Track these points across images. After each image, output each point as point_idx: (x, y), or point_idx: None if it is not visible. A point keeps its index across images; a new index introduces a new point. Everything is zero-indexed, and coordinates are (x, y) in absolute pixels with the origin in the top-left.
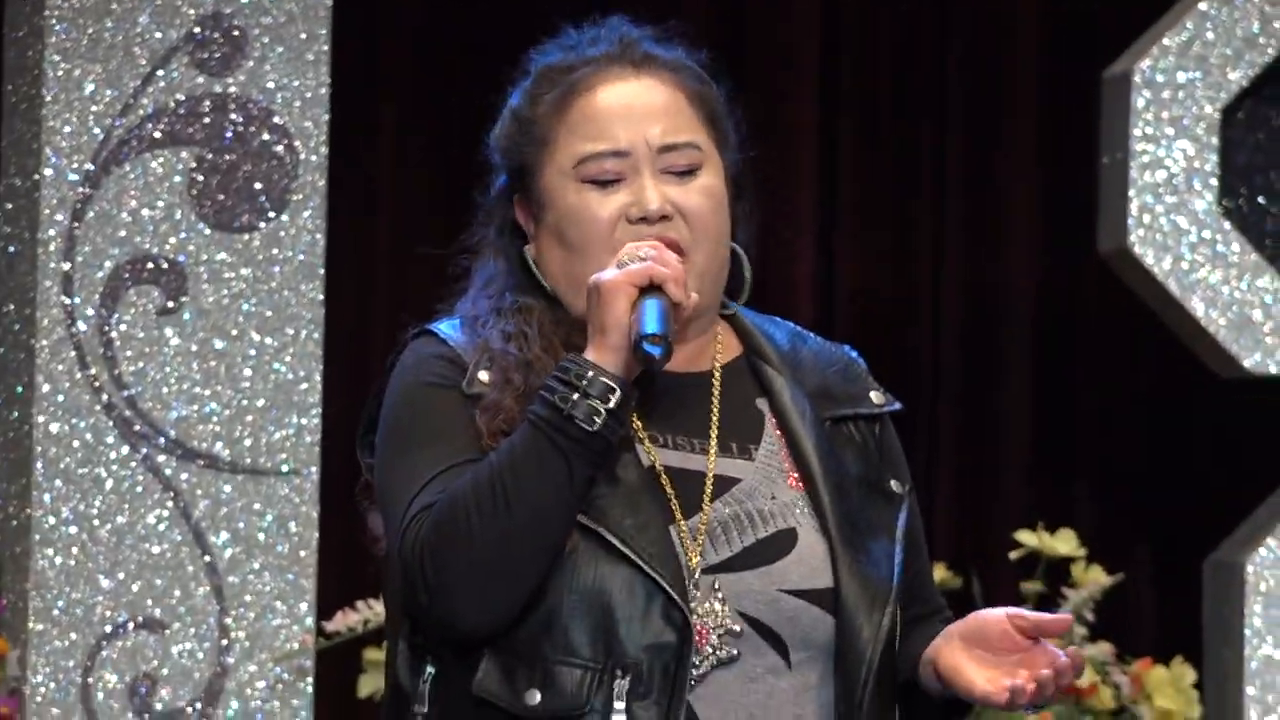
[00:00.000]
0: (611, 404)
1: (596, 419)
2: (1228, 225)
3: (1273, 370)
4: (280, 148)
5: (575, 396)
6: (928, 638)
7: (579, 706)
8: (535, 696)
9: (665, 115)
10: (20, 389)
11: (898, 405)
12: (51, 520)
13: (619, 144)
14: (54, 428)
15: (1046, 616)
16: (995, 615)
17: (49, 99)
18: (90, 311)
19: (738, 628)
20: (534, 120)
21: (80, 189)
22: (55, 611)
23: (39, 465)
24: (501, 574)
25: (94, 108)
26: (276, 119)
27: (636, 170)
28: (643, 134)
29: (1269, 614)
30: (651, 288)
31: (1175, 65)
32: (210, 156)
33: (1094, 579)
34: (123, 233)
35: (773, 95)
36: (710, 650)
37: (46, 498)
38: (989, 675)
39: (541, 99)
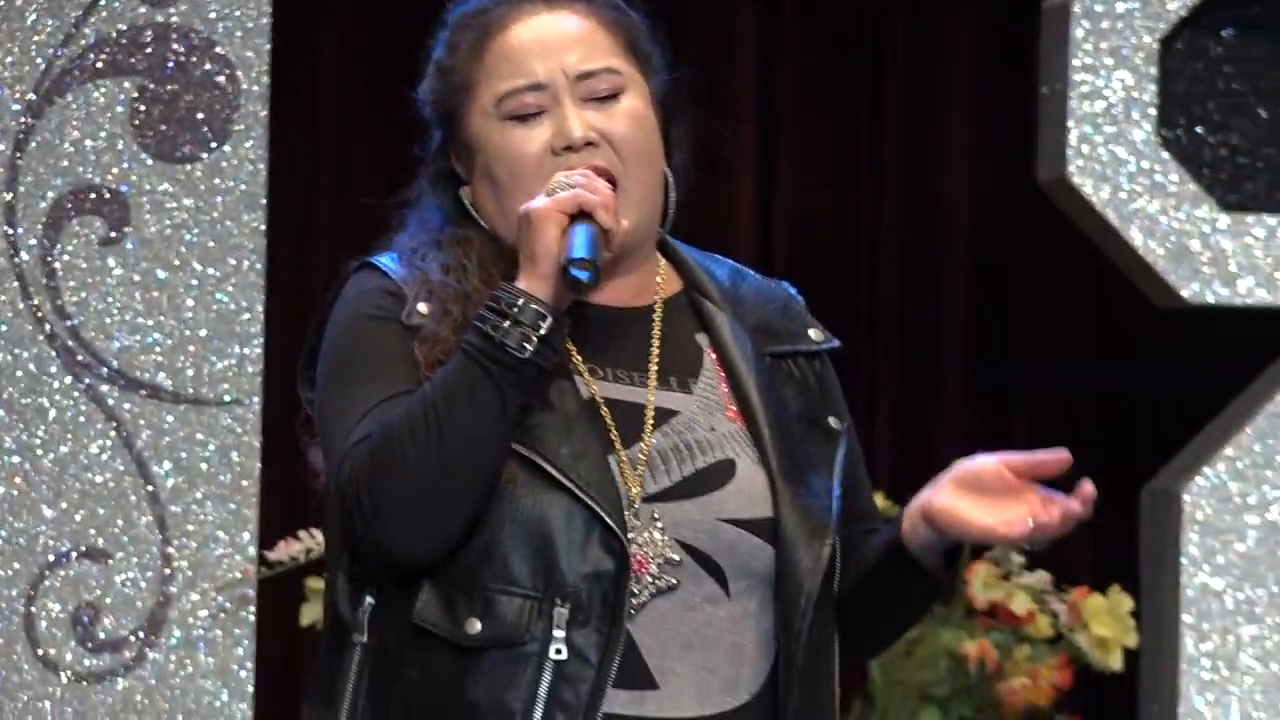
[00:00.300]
0: (543, 330)
1: (528, 346)
2: (1166, 155)
3: (1210, 300)
4: (222, 78)
5: (506, 324)
6: (883, 537)
7: (519, 635)
8: (475, 625)
9: (580, 44)
10: None
11: (836, 343)
12: None
13: (536, 77)
14: None
15: (1042, 455)
16: (987, 458)
17: None
18: (33, 241)
19: (676, 557)
20: (454, 68)
21: (22, 119)
22: None
23: None
24: (436, 503)
25: (35, 37)
26: (218, 49)
27: (557, 101)
28: (559, 64)
29: (1205, 543)
30: (581, 215)
31: None
32: (152, 87)
33: None
34: (65, 163)
35: (711, 20)
36: (649, 579)
37: None
38: (991, 513)
39: (459, 46)
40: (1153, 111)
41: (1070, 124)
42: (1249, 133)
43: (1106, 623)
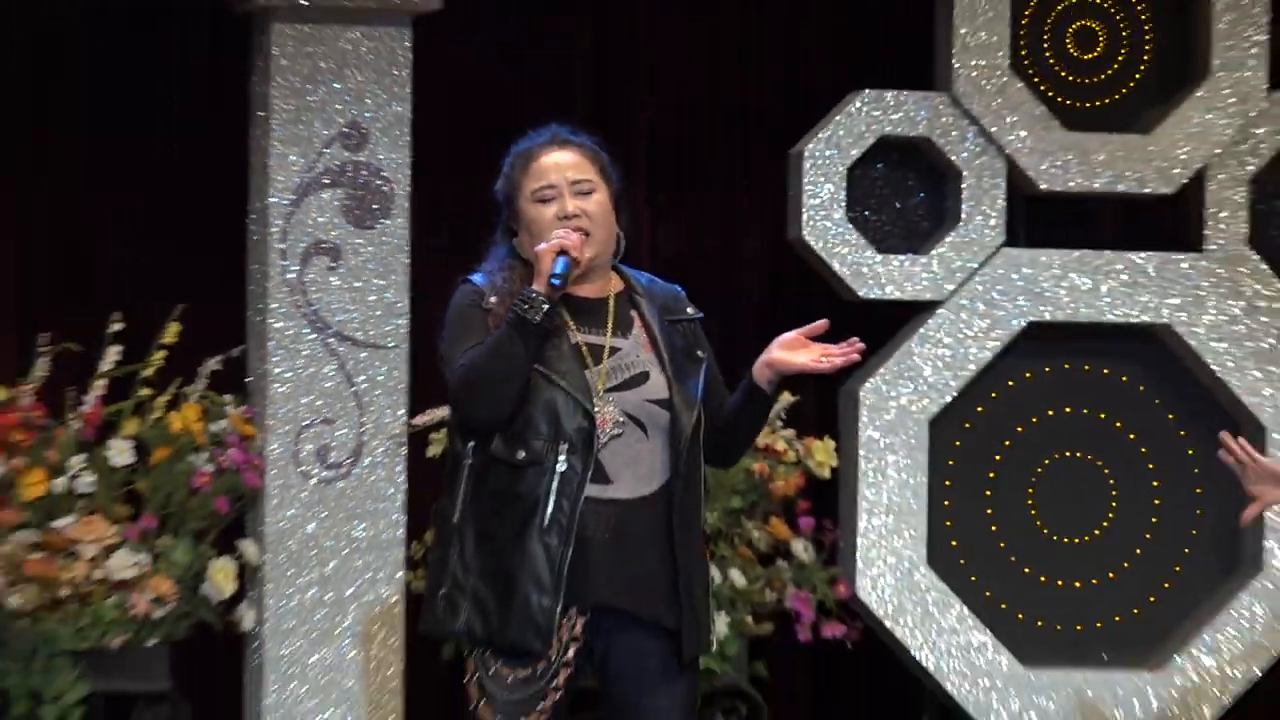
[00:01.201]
0: (542, 310)
1: (536, 318)
2: (852, 228)
3: (873, 296)
4: (385, 185)
5: (525, 307)
6: (742, 386)
7: (542, 458)
8: (520, 454)
9: (574, 167)
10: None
11: (700, 315)
12: None
13: (551, 181)
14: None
15: (809, 326)
16: (793, 332)
17: (272, 165)
18: (296, 267)
19: (621, 419)
20: (511, 177)
21: (289, 207)
22: None
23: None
24: (490, 398)
25: (292, 165)
26: (383, 171)
27: (561, 194)
28: (563, 176)
29: (871, 419)
30: (563, 251)
31: None
32: (351, 191)
33: (784, 397)
34: (310, 227)
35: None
36: (608, 431)
37: None
38: (802, 356)
39: (515, 166)
40: (843, 204)
41: (804, 210)
42: (890, 215)
43: (823, 454)
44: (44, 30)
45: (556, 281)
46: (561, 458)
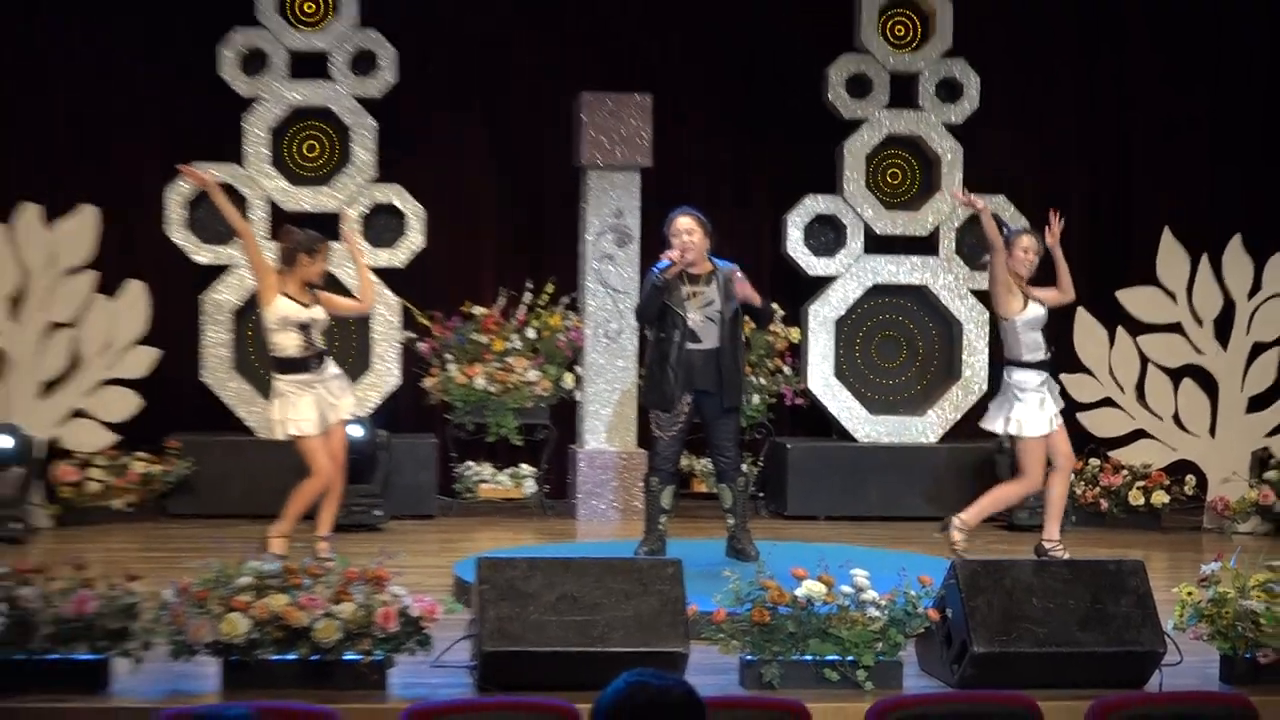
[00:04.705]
0: (664, 278)
1: (657, 282)
2: None
3: None
4: None
5: (655, 277)
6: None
7: (670, 334)
8: (661, 334)
9: (687, 229)
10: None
11: (733, 266)
12: None
13: (676, 230)
14: None
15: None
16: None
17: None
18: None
19: (700, 320)
20: (667, 229)
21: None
22: None
23: None
24: (645, 314)
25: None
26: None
27: (679, 235)
28: (686, 227)
29: (814, 319)
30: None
31: None
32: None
33: (778, 310)
34: (596, 221)
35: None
36: (692, 324)
37: None
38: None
39: (669, 224)
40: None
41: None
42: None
43: (795, 335)
44: None
45: (659, 268)
46: (676, 333)
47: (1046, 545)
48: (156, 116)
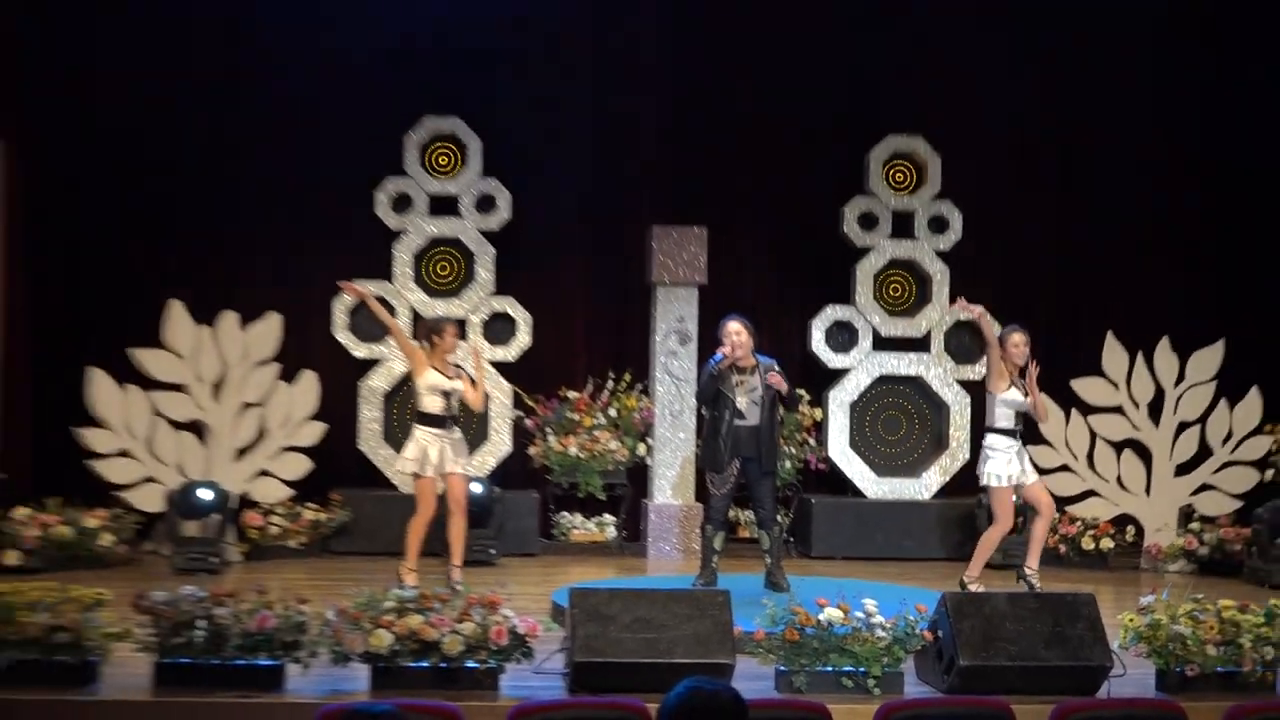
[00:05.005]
0: (718, 369)
1: (713, 371)
2: None
3: None
4: None
5: (712, 368)
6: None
7: (722, 413)
8: (715, 413)
9: (736, 331)
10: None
11: (771, 361)
12: None
13: (728, 332)
14: None
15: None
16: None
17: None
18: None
19: (746, 402)
20: (719, 331)
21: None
22: None
23: None
24: (704, 396)
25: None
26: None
27: (729, 337)
28: (734, 330)
29: (834, 402)
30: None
31: None
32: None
33: (804, 397)
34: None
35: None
36: (740, 406)
37: None
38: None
39: (721, 328)
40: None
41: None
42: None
43: (819, 414)
44: None
45: (715, 361)
46: (727, 413)
47: (1027, 572)
48: (325, 243)
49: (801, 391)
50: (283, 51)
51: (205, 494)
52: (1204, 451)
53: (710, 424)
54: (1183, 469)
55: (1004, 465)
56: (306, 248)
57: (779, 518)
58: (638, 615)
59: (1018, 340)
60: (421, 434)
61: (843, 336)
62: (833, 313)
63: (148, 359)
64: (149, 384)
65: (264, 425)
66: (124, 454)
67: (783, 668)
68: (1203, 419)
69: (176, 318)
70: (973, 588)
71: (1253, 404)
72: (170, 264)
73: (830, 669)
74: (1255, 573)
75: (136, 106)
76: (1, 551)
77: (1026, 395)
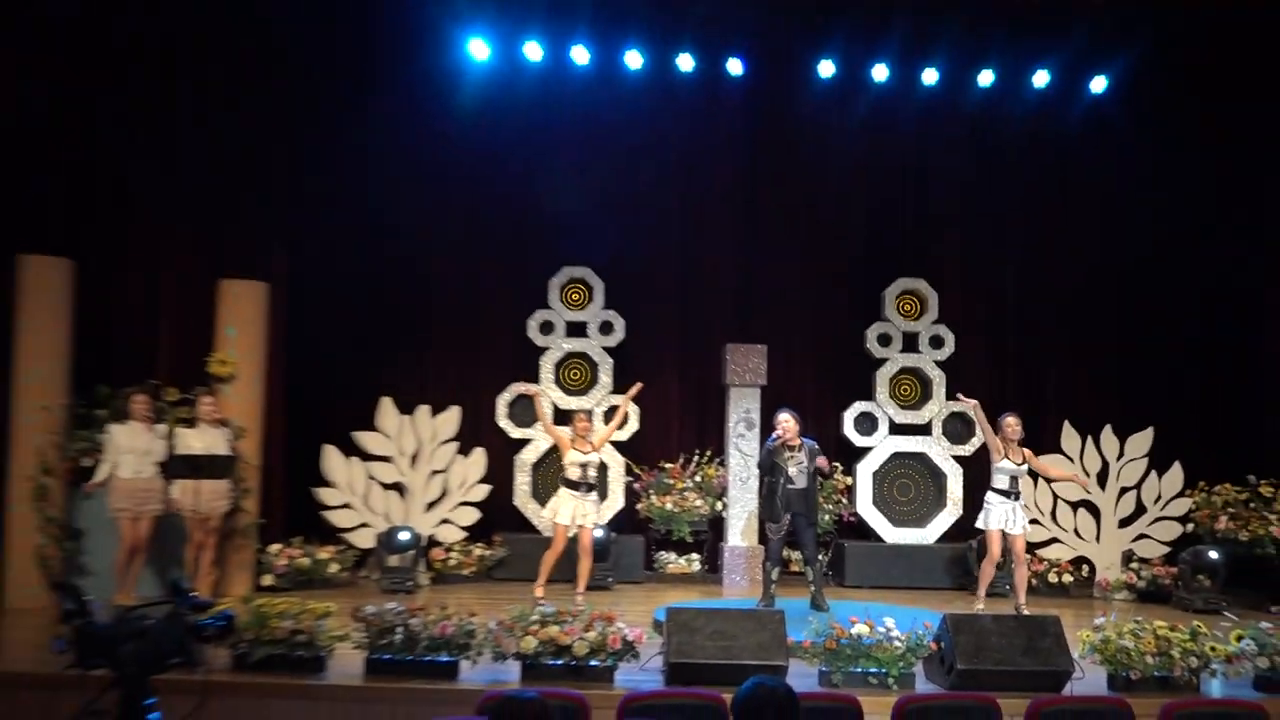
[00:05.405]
0: (774, 447)
1: (771, 448)
2: None
3: None
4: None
5: (770, 445)
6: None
7: (778, 480)
8: (770, 479)
9: (789, 421)
10: None
11: (811, 442)
12: None
13: (781, 419)
14: None
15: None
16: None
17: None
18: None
19: (795, 473)
20: (774, 423)
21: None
22: None
23: None
24: (763, 469)
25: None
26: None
27: (788, 426)
28: (785, 419)
29: (864, 474)
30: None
31: None
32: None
33: (839, 469)
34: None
35: None
36: (790, 475)
37: None
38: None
39: (775, 416)
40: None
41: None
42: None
43: (849, 479)
44: None
45: (771, 440)
46: (781, 479)
47: (1019, 604)
48: (491, 355)
49: (837, 464)
50: (464, 211)
51: (404, 535)
52: (1140, 509)
53: (768, 487)
54: (1124, 522)
55: (997, 517)
56: (479, 359)
57: (820, 556)
58: (716, 628)
59: (1011, 422)
60: (565, 493)
61: (866, 424)
62: (859, 406)
63: (365, 439)
64: (366, 456)
65: (446, 486)
66: (347, 506)
67: (824, 668)
68: (1138, 485)
69: (386, 409)
70: (979, 607)
71: (1176, 474)
72: (382, 372)
73: (860, 670)
74: (1181, 601)
75: (359, 256)
76: (260, 576)
77: (1021, 463)
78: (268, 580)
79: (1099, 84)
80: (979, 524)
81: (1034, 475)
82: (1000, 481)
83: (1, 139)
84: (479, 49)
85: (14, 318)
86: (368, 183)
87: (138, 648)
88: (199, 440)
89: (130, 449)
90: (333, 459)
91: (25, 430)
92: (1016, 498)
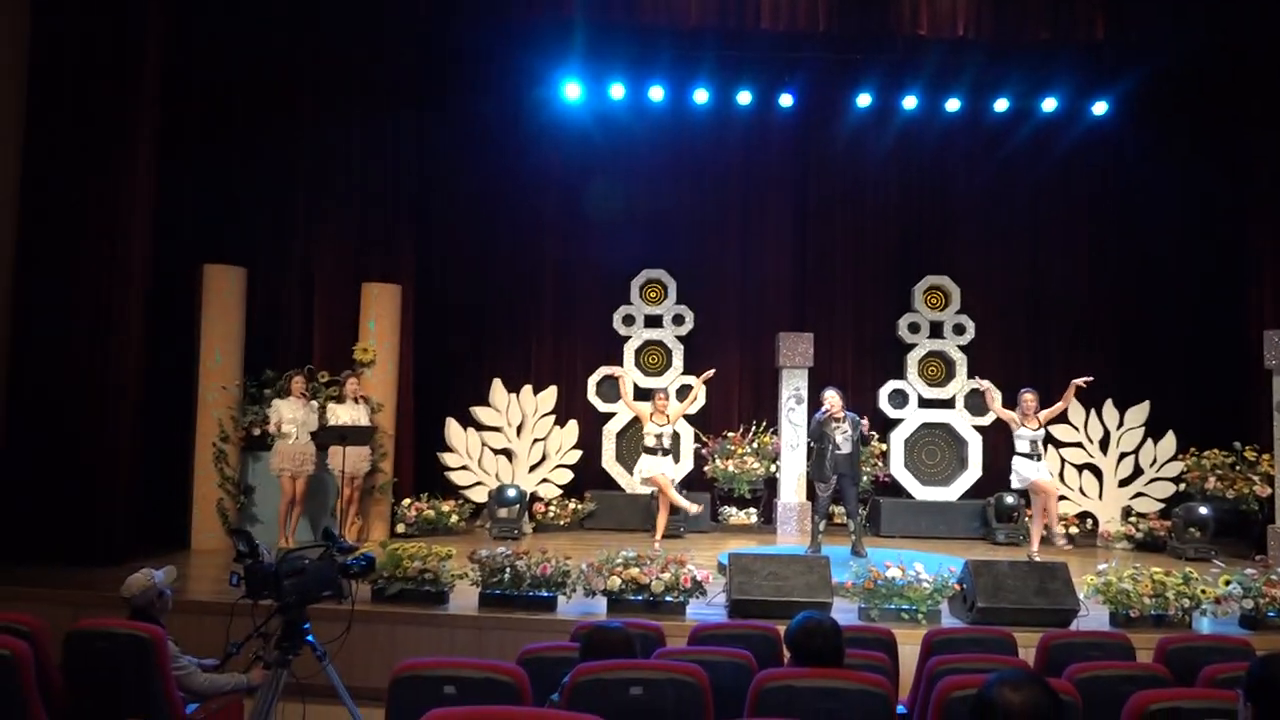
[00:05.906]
0: (822, 418)
1: (820, 419)
2: None
3: None
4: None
5: (819, 417)
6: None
7: (826, 446)
8: (821, 445)
9: (834, 397)
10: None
11: (855, 416)
12: None
13: (826, 396)
14: None
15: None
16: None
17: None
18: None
19: (843, 440)
20: (821, 395)
21: None
22: None
23: None
24: (812, 437)
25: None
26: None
27: (833, 399)
28: (830, 395)
29: (897, 441)
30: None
31: None
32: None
33: (875, 436)
34: None
35: None
36: (839, 442)
37: None
38: None
39: (821, 393)
40: None
41: None
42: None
43: (884, 446)
44: None
45: (820, 414)
46: (830, 446)
47: (1032, 552)
48: (583, 343)
49: (874, 433)
50: (559, 224)
51: (511, 492)
52: (1137, 471)
53: (818, 453)
54: (1124, 482)
55: (1024, 469)
56: (573, 347)
57: (860, 511)
58: (771, 570)
59: (1029, 398)
60: (646, 457)
61: (899, 399)
62: (892, 384)
63: (479, 413)
64: (480, 427)
65: (545, 452)
66: (464, 468)
67: (863, 605)
68: (1136, 450)
69: (496, 389)
70: (1036, 556)
71: (1169, 441)
72: (493, 358)
73: (893, 607)
74: (1175, 550)
75: (474, 263)
76: (395, 525)
77: (1038, 429)
78: (400, 528)
79: (1100, 108)
80: (1014, 484)
81: (1049, 440)
82: (1023, 446)
83: (199, 175)
84: (572, 90)
85: (199, 314)
86: (480, 203)
87: (297, 582)
88: (345, 413)
89: (291, 420)
90: (453, 429)
91: (208, 405)
92: (1039, 459)
